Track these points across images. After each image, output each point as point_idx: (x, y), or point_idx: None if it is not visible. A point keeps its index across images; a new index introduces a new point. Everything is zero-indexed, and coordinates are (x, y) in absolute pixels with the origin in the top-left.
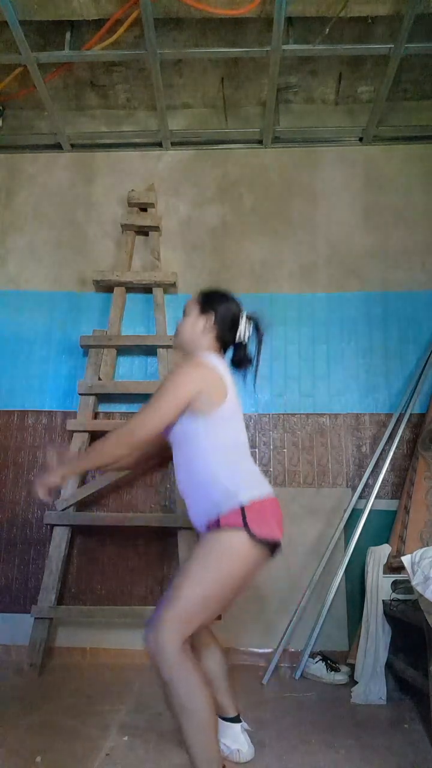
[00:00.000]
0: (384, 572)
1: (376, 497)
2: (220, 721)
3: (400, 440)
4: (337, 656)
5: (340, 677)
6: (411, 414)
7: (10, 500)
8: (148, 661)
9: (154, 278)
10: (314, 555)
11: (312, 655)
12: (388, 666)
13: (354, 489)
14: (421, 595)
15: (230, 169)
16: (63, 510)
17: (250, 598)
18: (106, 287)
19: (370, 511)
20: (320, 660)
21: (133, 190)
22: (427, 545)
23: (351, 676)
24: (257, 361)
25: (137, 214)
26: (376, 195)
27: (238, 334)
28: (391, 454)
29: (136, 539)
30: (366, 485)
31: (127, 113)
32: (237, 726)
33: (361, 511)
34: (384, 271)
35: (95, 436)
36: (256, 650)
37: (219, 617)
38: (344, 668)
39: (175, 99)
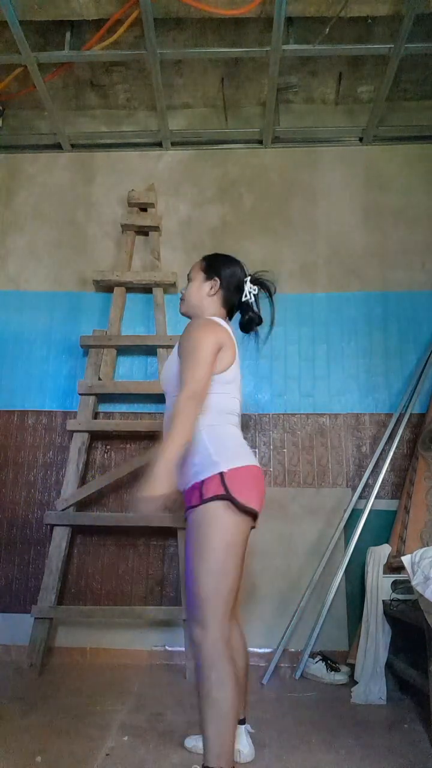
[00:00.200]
0: (384, 572)
1: (376, 497)
2: None
3: (400, 440)
4: (337, 656)
5: (340, 677)
6: (411, 414)
7: (10, 500)
8: (194, 649)
9: (154, 278)
10: (314, 555)
11: (312, 655)
12: (388, 666)
13: (354, 489)
14: (421, 595)
15: (230, 169)
16: (63, 510)
17: (250, 598)
18: (106, 287)
19: (370, 511)
20: (320, 660)
21: (133, 190)
22: (427, 545)
23: (351, 676)
24: (272, 316)
25: (137, 214)
26: (376, 195)
27: (243, 295)
28: (391, 454)
29: (136, 539)
30: (366, 485)
31: (127, 113)
32: (241, 727)
33: (361, 511)
34: (384, 271)
35: (95, 436)
36: (256, 650)
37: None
38: (344, 668)
39: (175, 99)
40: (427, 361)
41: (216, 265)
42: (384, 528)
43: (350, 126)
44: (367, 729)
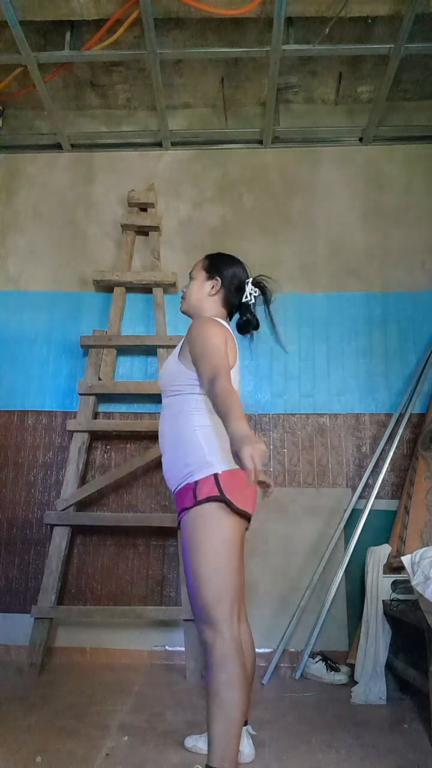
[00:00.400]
0: (384, 572)
1: (376, 497)
2: None
3: (400, 440)
4: (337, 656)
5: (340, 677)
6: (411, 414)
7: (10, 500)
8: (206, 647)
9: (154, 278)
10: (314, 555)
11: (312, 655)
12: (388, 666)
13: (354, 489)
14: (421, 595)
15: (230, 169)
16: (63, 510)
17: (250, 598)
18: (106, 287)
19: (370, 511)
20: (320, 660)
21: (133, 190)
22: (427, 545)
23: (351, 676)
24: (272, 322)
25: (137, 214)
26: (376, 195)
27: (244, 297)
28: (391, 454)
29: (136, 539)
30: (366, 485)
31: (127, 113)
32: (243, 728)
33: (361, 511)
34: (384, 271)
35: (95, 436)
36: (256, 650)
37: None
38: (344, 668)
39: (175, 99)
40: (427, 361)
41: (218, 264)
42: (384, 528)
43: (350, 126)
44: (367, 729)
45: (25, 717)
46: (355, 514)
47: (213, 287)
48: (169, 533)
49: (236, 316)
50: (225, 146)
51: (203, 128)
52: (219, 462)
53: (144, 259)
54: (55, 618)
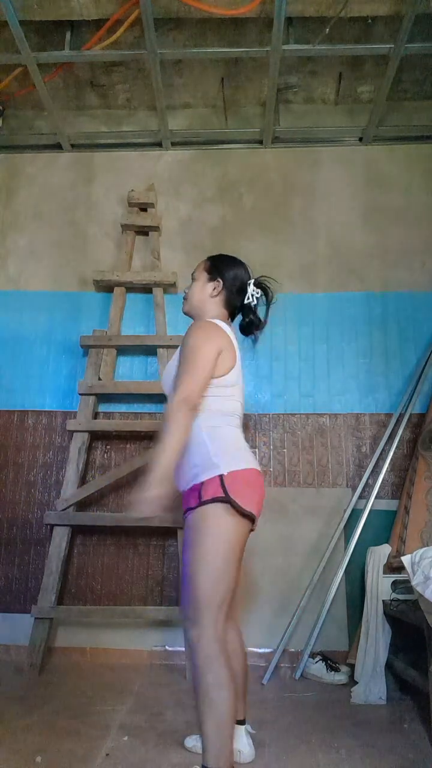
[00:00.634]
0: (384, 572)
1: (376, 497)
2: None
3: (400, 440)
4: (337, 656)
5: (340, 677)
6: (411, 414)
7: (10, 500)
8: (190, 649)
9: (154, 278)
10: (314, 555)
11: (312, 655)
12: (388, 666)
13: (354, 489)
14: (421, 595)
15: (230, 169)
16: (63, 510)
17: (250, 598)
18: (106, 287)
19: (370, 511)
20: (320, 660)
21: (133, 190)
22: (427, 545)
23: (351, 676)
24: (264, 321)
25: (137, 214)
26: (376, 195)
27: (246, 298)
28: (391, 454)
29: (136, 539)
30: (366, 485)
31: (127, 113)
32: (241, 728)
33: (361, 511)
34: (384, 271)
35: (95, 436)
36: (256, 650)
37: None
38: (344, 668)
39: (175, 99)
40: (427, 361)
41: (220, 266)
42: (384, 528)
43: (350, 126)
44: (367, 729)
45: (25, 717)
46: (355, 514)
47: (215, 288)
48: (169, 533)
49: (239, 318)
50: (225, 146)
51: (203, 128)
52: (224, 463)
53: (144, 259)
54: (55, 618)
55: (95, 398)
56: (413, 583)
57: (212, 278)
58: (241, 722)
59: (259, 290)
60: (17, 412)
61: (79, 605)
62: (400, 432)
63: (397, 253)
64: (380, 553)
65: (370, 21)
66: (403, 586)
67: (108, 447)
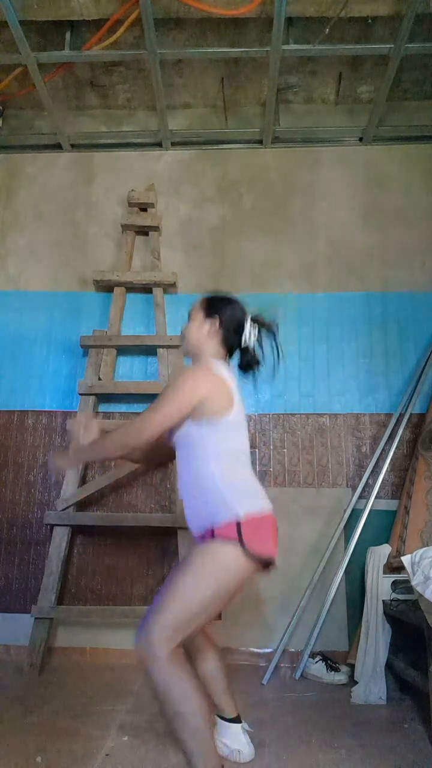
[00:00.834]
0: (384, 572)
1: (376, 497)
2: (221, 721)
3: (400, 440)
4: (337, 656)
5: (340, 677)
6: (411, 414)
7: (10, 500)
8: (140, 665)
9: (154, 278)
10: (314, 555)
11: (312, 655)
12: (388, 666)
13: (354, 489)
14: (421, 595)
15: (230, 169)
16: (63, 510)
17: (250, 598)
18: (106, 287)
19: (370, 511)
20: (320, 660)
21: (133, 190)
22: (427, 545)
23: (351, 676)
24: (279, 354)
25: (137, 214)
26: (376, 195)
27: (243, 337)
28: (391, 454)
29: (136, 539)
30: (366, 485)
31: (127, 113)
32: (237, 726)
33: (361, 511)
34: (384, 271)
35: None
36: (256, 650)
37: (219, 617)
38: (344, 668)
39: (175, 99)
40: (427, 361)
41: (216, 304)
42: (384, 528)
43: (350, 126)
44: (367, 729)
45: (25, 717)
46: (355, 514)
47: (211, 327)
48: (169, 533)
49: (238, 355)
50: (225, 146)
51: (203, 128)
52: (240, 506)
53: (144, 259)
54: (55, 618)
55: (95, 398)
56: (413, 583)
57: (208, 317)
58: (236, 720)
59: (256, 327)
60: (17, 412)
61: (79, 605)
62: (400, 432)
63: (397, 253)
64: (380, 553)
65: (370, 21)
66: (403, 586)
67: None
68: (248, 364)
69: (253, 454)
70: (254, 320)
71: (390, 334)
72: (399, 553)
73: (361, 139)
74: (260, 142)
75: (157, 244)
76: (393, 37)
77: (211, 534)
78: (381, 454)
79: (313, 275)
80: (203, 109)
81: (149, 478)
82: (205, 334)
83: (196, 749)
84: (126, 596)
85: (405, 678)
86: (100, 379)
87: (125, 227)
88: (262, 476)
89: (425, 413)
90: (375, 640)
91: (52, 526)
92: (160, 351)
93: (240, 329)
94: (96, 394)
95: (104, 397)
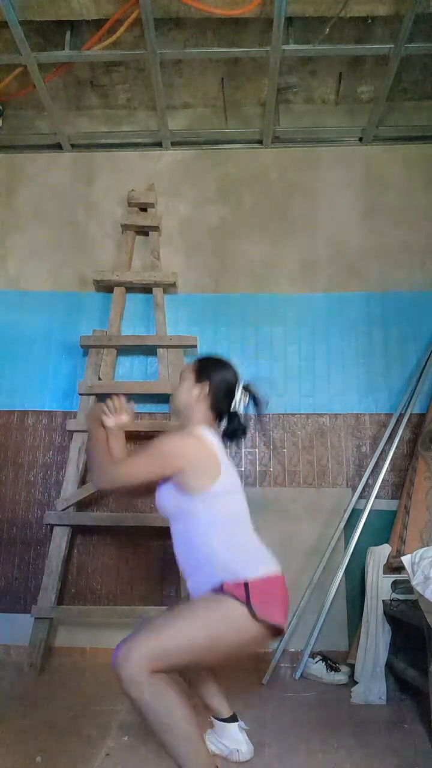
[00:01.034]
0: (384, 572)
1: (376, 497)
2: (218, 722)
3: (400, 440)
4: (337, 656)
5: (340, 677)
6: (411, 414)
7: (10, 500)
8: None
9: (154, 278)
10: (314, 555)
11: (312, 655)
12: (388, 666)
13: (354, 489)
14: (421, 595)
15: (230, 169)
16: (63, 510)
17: None
18: (106, 287)
19: (370, 511)
20: (320, 660)
21: (133, 190)
22: (427, 545)
23: (351, 676)
24: (261, 426)
25: (137, 214)
26: (376, 195)
27: (233, 403)
28: (391, 454)
29: (136, 539)
30: (366, 485)
31: (127, 113)
32: (234, 725)
33: (361, 511)
34: (384, 271)
35: None
36: (256, 650)
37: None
38: (344, 668)
39: (175, 99)
40: (427, 361)
41: (208, 368)
42: (384, 528)
43: (350, 126)
44: (367, 729)
45: (25, 717)
46: (355, 514)
47: (201, 391)
48: (169, 533)
49: (225, 421)
50: (225, 146)
51: (203, 128)
52: (245, 566)
53: (144, 259)
54: (55, 618)
55: (95, 398)
56: (413, 583)
57: (199, 380)
58: (232, 719)
59: (247, 396)
60: (17, 412)
61: (79, 605)
62: (400, 432)
63: (397, 253)
64: (380, 553)
65: (370, 21)
66: (403, 586)
67: None
68: (234, 432)
69: (252, 454)
70: (246, 389)
71: (390, 334)
72: (399, 553)
73: (361, 139)
74: (260, 142)
75: (157, 244)
76: (393, 37)
77: (220, 589)
78: (381, 454)
79: (313, 275)
80: (203, 109)
81: None
82: (195, 397)
83: (187, 758)
84: (126, 596)
85: (405, 678)
86: (100, 379)
87: (125, 227)
88: (262, 476)
89: (425, 413)
90: (375, 640)
91: (52, 526)
92: (160, 351)
93: (230, 394)
94: (96, 394)
95: (104, 397)
